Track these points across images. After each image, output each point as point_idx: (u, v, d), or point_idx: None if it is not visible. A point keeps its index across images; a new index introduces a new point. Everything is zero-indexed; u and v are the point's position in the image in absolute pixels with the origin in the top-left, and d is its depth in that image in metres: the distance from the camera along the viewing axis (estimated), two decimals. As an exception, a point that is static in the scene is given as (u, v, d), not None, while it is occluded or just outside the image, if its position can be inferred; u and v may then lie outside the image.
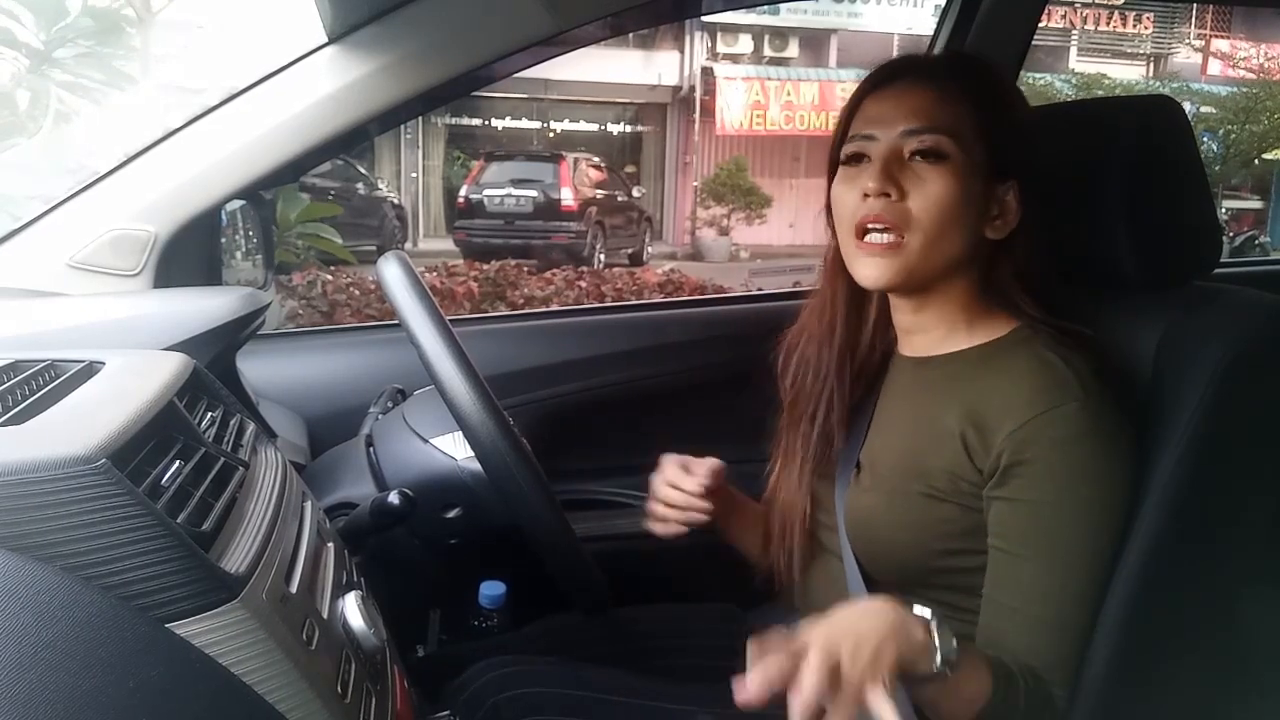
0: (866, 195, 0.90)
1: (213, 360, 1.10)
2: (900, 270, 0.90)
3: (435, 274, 4.53)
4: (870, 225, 0.90)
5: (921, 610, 0.78)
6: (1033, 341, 0.92)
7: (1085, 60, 15.40)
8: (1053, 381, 0.87)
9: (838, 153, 0.96)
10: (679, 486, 1.05)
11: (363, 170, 11.67)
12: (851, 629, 0.73)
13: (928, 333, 0.98)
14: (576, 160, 12.54)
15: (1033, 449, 0.86)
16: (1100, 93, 11.40)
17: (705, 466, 1.05)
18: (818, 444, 1.03)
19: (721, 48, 15.07)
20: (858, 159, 0.93)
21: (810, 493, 1.04)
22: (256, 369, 1.45)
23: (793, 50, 15.40)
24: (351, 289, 3.96)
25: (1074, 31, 15.85)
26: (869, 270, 0.92)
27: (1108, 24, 15.97)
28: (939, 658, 0.75)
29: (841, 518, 0.99)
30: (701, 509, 1.05)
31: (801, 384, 1.04)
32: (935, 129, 0.89)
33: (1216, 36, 15.62)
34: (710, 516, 1.07)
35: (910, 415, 0.98)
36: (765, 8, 13.69)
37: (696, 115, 15.25)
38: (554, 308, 3.95)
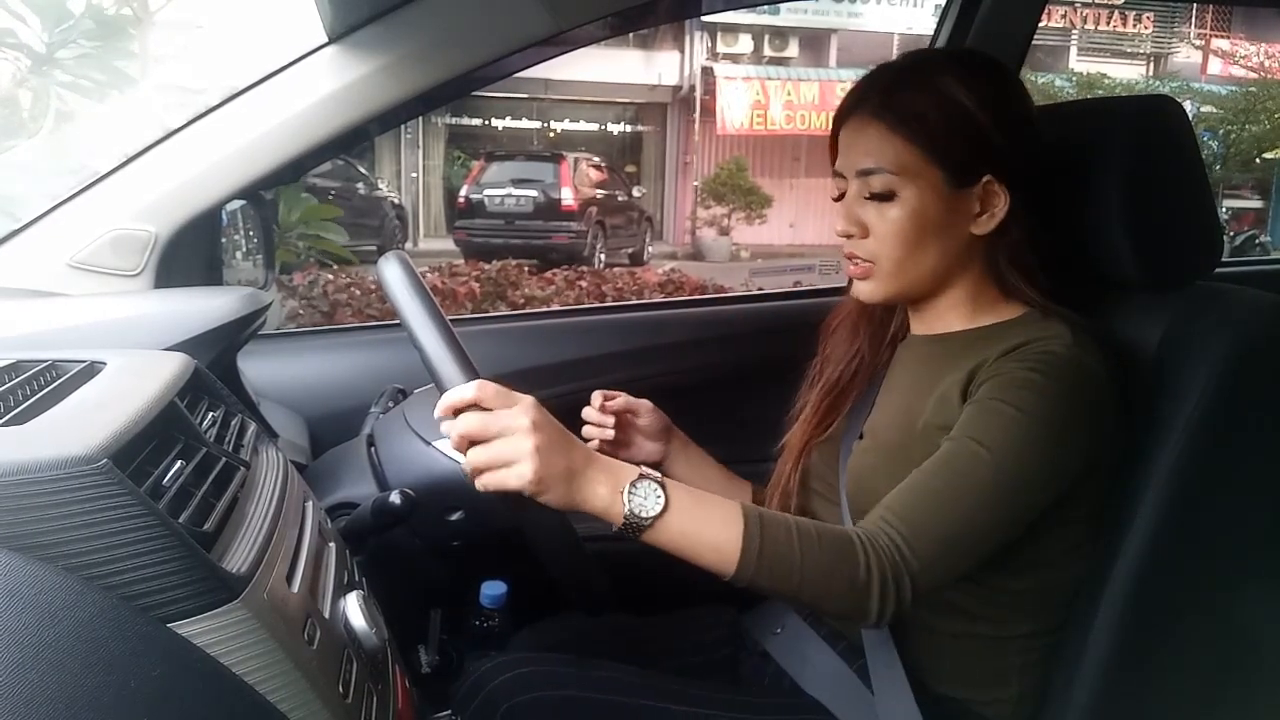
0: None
1: (214, 360, 1.10)
2: (879, 289, 1.00)
3: (436, 274, 4.53)
4: (847, 257, 1.01)
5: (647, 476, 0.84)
6: (1040, 321, 0.96)
7: (1085, 60, 15.41)
8: (1046, 332, 0.93)
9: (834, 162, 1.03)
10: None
11: (363, 170, 11.67)
12: (547, 439, 0.82)
13: (940, 316, 1.03)
14: (577, 160, 12.53)
15: (1001, 368, 0.91)
16: (1100, 92, 11.40)
17: (618, 400, 1.16)
18: (825, 412, 1.11)
19: (721, 48, 15.07)
20: (842, 197, 1.01)
21: (802, 451, 1.11)
22: (257, 369, 1.45)
23: (793, 50, 15.40)
24: (352, 289, 3.96)
25: (1074, 31, 15.85)
26: (856, 289, 1.02)
27: (1108, 23, 15.97)
28: (626, 513, 0.83)
29: (844, 488, 1.03)
30: (607, 425, 1.14)
31: (828, 361, 1.13)
32: (881, 169, 0.95)
33: (1216, 36, 15.62)
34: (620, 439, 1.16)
35: (914, 383, 1.02)
36: (765, 8, 13.70)
37: (697, 115, 15.25)
38: (555, 307, 3.95)
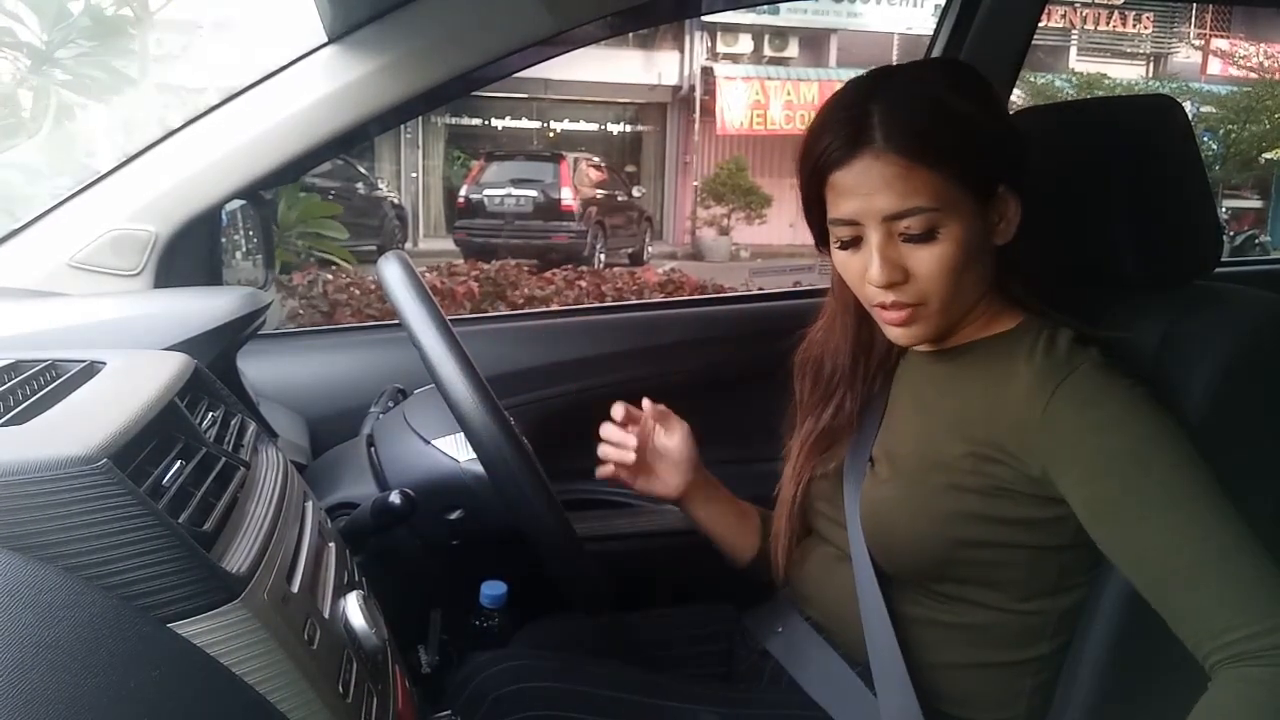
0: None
1: (213, 360, 1.10)
2: (926, 330, 0.92)
3: (436, 274, 4.53)
4: (884, 306, 0.91)
5: None
6: (1042, 331, 0.93)
7: (1085, 60, 15.42)
8: (1059, 356, 0.89)
9: (816, 214, 0.94)
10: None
11: (363, 170, 11.67)
12: None
13: (949, 332, 0.98)
14: (576, 160, 12.55)
15: (1067, 419, 0.85)
16: (1100, 93, 11.40)
17: (651, 408, 1.12)
18: (818, 440, 1.05)
19: (721, 48, 15.08)
20: (855, 243, 0.91)
21: (801, 483, 1.06)
22: (257, 369, 1.44)
23: (793, 50, 15.42)
24: (352, 289, 3.96)
25: (1074, 31, 15.86)
26: (895, 335, 0.94)
27: (1107, 23, 15.99)
28: None
29: (854, 514, 0.99)
30: (628, 446, 1.11)
31: (814, 386, 1.07)
32: (917, 209, 0.86)
33: (1216, 36, 15.63)
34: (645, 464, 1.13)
35: (923, 406, 0.99)
36: (765, 8, 13.70)
37: (696, 115, 15.26)
38: (554, 308, 3.95)
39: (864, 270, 0.90)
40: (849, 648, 1.03)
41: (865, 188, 0.87)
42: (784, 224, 13.86)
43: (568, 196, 11.86)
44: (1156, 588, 0.81)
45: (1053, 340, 0.91)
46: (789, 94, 14.80)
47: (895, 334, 0.94)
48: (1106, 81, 13.03)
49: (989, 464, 0.90)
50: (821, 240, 0.96)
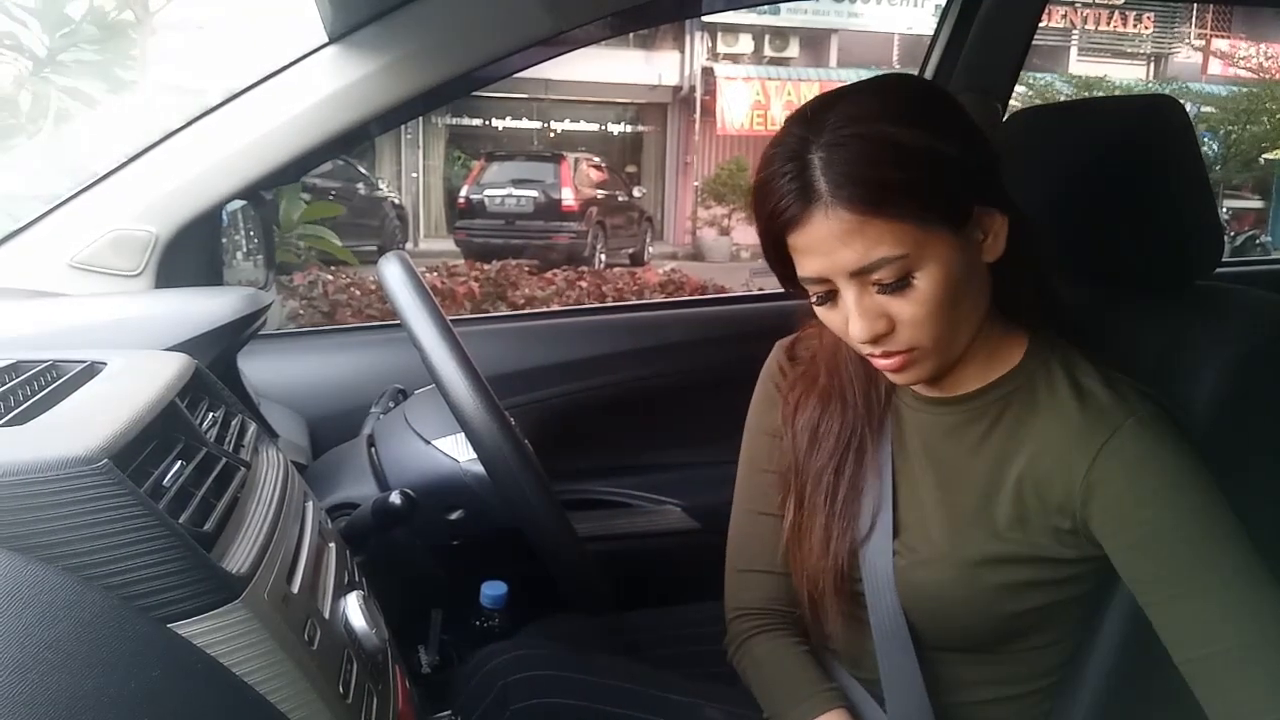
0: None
1: (214, 360, 1.10)
2: (925, 370, 0.85)
3: (436, 274, 4.53)
4: (877, 355, 0.85)
5: None
6: (1052, 363, 0.88)
7: (1085, 60, 15.43)
8: (1097, 404, 0.84)
9: (780, 266, 0.85)
10: None
11: (363, 170, 11.67)
12: None
13: (953, 371, 0.90)
14: (577, 160, 12.55)
15: (1113, 485, 0.82)
16: (1100, 94, 11.39)
17: None
18: (847, 493, 0.94)
19: (722, 48, 15.09)
20: (832, 297, 0.83)
21: (842, 555, 0.94)
22: (258, 369, 1.45)
23: (793, 50, 15.43)
24: (352, 289, 3.96)
25: (1074, 31, 15.87)
26: (897, 379, 0.88)
27: (1108, 24, 16.00)
28: None
29: (879, 584, 0.92)
30: None
31: (818, 424, 0.97)
32: (882, 261, 0.78)
33: (1217, 36, 15.63)
34: None
35: (941, 467, 0.92)
36: (765, 8, 13.70)
37: (697, 115, 15.27)
38: (555, 308, 3.96)
39: (846, 325, 0.83)
40: (867, 685, 0.99)
41: (825, 246, 0.79)
42: (784, 224, 13.87)
43: (568, 197, 11.86)
44: (1193, 665, 0.80)
45: (1074, 377, 0.87)
46: (789, 94, 14.79)
47: (893, 379, 0.88)
48: (1105, 83, 13.01)
49: (1031, 529, 0.87)
50: (787, 284, 0.86)
